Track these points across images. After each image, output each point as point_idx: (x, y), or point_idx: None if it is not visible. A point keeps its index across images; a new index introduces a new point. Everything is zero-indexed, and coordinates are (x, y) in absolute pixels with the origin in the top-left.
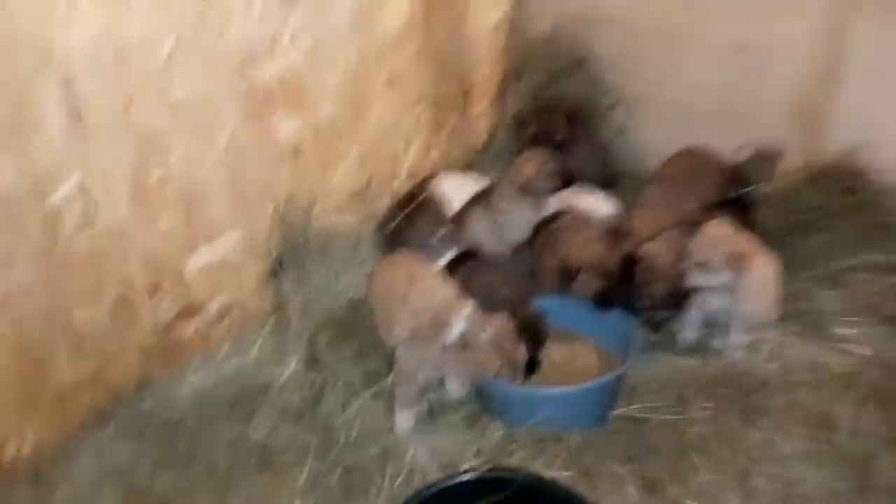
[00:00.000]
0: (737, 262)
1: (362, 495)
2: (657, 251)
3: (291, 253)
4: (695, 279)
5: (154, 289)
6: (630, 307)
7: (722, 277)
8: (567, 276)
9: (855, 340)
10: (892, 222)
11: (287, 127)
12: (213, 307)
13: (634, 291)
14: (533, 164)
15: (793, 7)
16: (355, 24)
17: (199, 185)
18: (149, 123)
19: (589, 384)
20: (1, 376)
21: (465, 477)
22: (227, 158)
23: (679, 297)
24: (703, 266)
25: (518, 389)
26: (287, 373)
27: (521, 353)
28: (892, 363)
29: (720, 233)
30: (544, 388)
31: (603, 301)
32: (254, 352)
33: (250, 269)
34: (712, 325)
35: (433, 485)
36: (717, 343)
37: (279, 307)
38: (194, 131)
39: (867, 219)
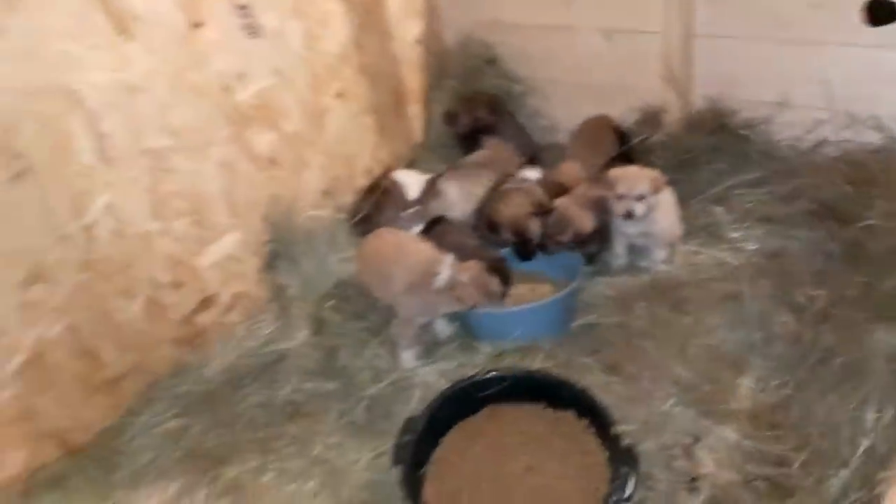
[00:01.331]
0: (657, 185)
1: (386, 420)
2: (567, 203)
3: (281, 246)
4: (636, 209)
5: (176, 286)
6: (546, 252)
7: (650, 202)
8: (492, 230)
9: (743, 240)
10: (755, 148)
11: (264, 141)
12: (225, 298)
13: (547, 240)
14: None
15: None
16: (306, 49)
17: (201, 195)
18: (156, 148)
19: (551, 298)
20: (62, 373)
21: (489, 375)
22: (220, 171)
23: (591, 238)
24: (641, 197)
25: (499, 311)
26: (299, 342)
27: (496, 284)
28: (771, 250)
29: (633, 171)
30: (519, 307)
31: (520, 253)
32: (266, 331)
33: (250, 263)
34: (635, 251)
35: (455, 384)
36: (642, 263)
37: (278, 293)
38: (192, 151)
39: (737, 149)
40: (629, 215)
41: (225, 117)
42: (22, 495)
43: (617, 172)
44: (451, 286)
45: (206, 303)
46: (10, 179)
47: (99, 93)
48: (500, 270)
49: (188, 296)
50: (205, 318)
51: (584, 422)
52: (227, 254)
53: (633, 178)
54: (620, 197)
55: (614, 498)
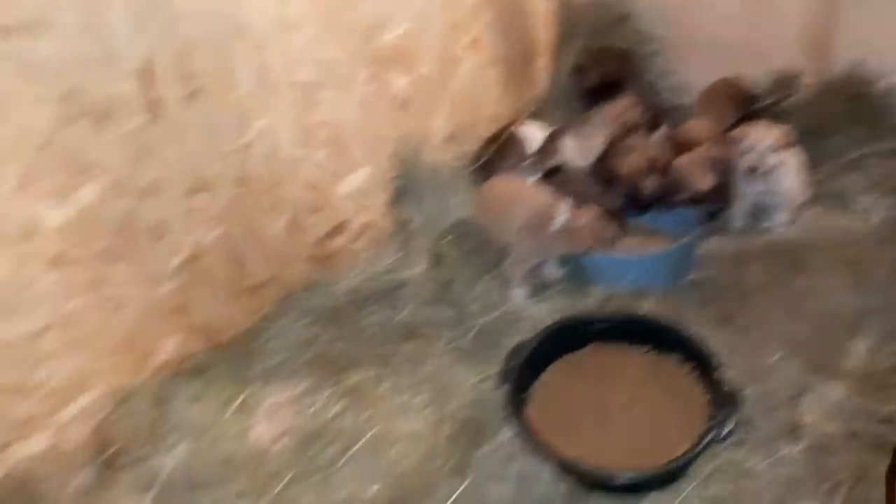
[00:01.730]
0: (785, 142)
1: (493, 348)
2: (687, 162)
3: (407, 184)
4: (763, 162)
5: (313, 210)
6: (663, 209)
7: (776, 158)
8: (608, 183)
9: (871, 208)
10: (893, 118)
11: (399, 83)
12: (355, 226)
13: (664, 197)
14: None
15: None
16: None
17: (341, 128)
18: (306, 80)
19: (666, 248)
20: (214, 276)
21: (597, 314)
22: (359, 108)
23: (709, 197)
24: (769, 151)
25: (613, 256)
26: (417, 272)
27: (611, 230)
28: None
29: (762, 126)
30: (634, 253)
31: (633, 207)
32: (388, 260)
33: (378, 197)
34: (757, 213)
35: (563, 319)
36: (763, 225)
37: (401, 227)
38: (337, 86)
39: (873, 118)
40: (755, 169)
41: (367, 57)
42: (171, 378)
43: (745, 128)
44: (567, 230)
45: (338, 229)
46: (186, 97)
47: (262, 26)
48: (615, 218)
49: (323, 220)
50: (336, 243)
51: (688, 366)
52: (359, 186)
53: (762, 133)
54: (748, 150)
55: (712, 434)
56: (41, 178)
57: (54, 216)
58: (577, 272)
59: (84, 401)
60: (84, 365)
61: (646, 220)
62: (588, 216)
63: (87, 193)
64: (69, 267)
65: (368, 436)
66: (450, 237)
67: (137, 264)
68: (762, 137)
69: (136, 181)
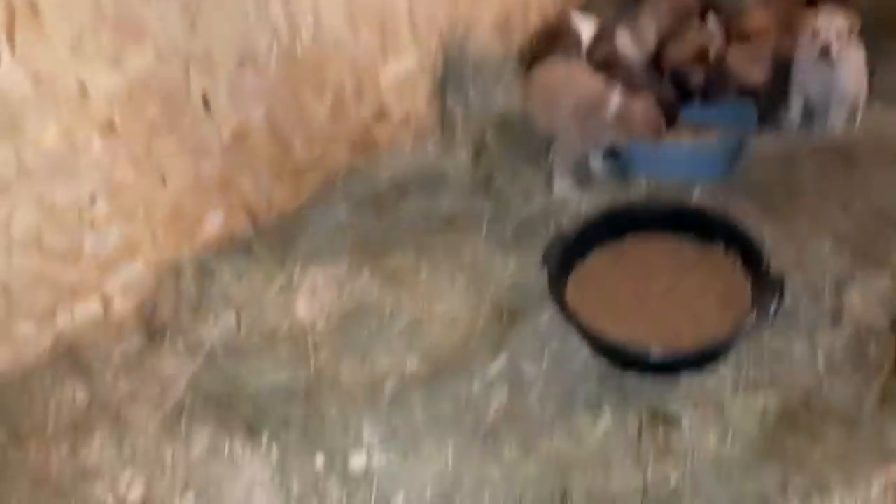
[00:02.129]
0: (851, 30)
1: (533, 238)
2: (737, 54)
3: (452, 74)
4: (834, 45)
5: (358, 94)
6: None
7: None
8: (657, 70)
9: None
10: None
11: None
12: (398, 113)
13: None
14: None
15: None
16: None
17: (389, 10)
18: None
19: (715, 139)
20: (259, 155)
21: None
22: None
23: (760, 91)
24: (840, 35)
25: (665, 145)
26: (459, 163)
27: (662, 119)
28: None
29: (831, 8)
30: (681, 142)
31: (679, 95)
32: (431, 148)
33: (423, 85)
34: (813, 111)
35: (611, 207)
36: (819, 123)
37: (445, 117)
38: None
39: None
40: (826, 52)
41: None
42: (216, 254)
43: (812, 11)
44: (619, 117)
45: (381, 115)
46: None
47: None
48: (667, 107)
49: (367, 105)
50: (379, 129)
51: (733, 256)
52: (404, 72)
53: (832, 14)
54: (816, 34)
55: (753, 319)
56: (93, 41)
57: (106, 82)
58: (624, 167)
59: (131, 270)
60: (131, 234)
61: (698, 115)
62: (640, 104)
63: (138, 60)
64: (118, 135)
65: (407, 315)
66: (493, 129)
67: (184, 137)
68: (834, 18)
69: (186, 50)
